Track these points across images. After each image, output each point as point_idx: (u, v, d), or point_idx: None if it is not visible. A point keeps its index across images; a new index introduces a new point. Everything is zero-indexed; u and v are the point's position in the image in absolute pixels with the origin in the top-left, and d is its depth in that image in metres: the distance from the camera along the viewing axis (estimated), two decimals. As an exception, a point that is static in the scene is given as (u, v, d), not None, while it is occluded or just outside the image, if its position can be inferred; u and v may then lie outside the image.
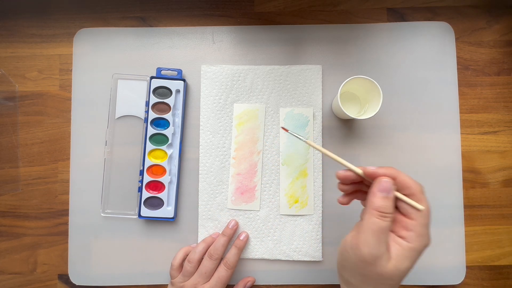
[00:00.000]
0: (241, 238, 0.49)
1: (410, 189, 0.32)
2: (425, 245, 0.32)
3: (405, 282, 0.43)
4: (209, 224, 0.50)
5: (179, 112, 0.51)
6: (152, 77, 0.50)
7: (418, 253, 0.31)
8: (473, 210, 0.50)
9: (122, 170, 0.51)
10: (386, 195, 0.32)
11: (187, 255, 0.47)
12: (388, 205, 0.32)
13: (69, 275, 0.50)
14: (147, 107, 0.50)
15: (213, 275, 0.46)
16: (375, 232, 0.31)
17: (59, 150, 0.52)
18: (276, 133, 0.51)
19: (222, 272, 0.46)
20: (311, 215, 0.50)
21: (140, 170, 0.50)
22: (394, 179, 0.33)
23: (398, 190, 0.33)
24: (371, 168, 0.34)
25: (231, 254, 0.47)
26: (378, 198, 0.32)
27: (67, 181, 0.51)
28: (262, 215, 0.50)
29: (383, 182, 0.32)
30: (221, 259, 0.47)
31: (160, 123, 0.50)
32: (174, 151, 0.50)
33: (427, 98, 0.51)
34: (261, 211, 0.50)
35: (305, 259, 0.49)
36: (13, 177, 0.52)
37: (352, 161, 0.50)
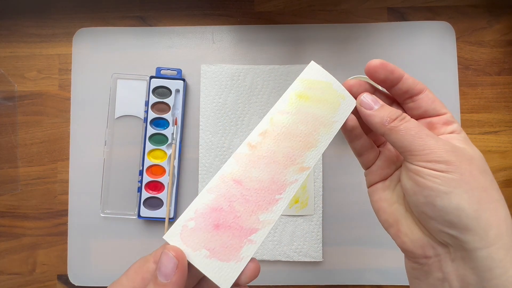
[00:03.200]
0: None
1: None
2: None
3: (405, 282, 0.43)
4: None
5: (179, 112, 0.50)
6: (151, 77, 0.50)
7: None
8: (473, 210, 0.50)
9: (121, 170, 0.51)
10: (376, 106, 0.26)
11: None
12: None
13: (68, 275, 0.50)
14: (146, 107, 0.50)
15: None
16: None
17: (58, 150, 0.52)
18: None
19: None
20: (311, 215, 0.50)
21: (140, 170, 0.50)
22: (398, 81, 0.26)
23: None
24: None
25: None
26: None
27: (67, 181, 0.51)
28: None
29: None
30: None
31: (160, 123, 0.50)
32: (173, 151, 0.50)
33: (427, 98, 0.51)
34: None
35: (306, 260, 0.49)
36: (12, 177, 0.51)
37: (353, 161, 0.50)
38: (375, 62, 0.26)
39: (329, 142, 0.26)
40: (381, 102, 0.26)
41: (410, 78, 0.26)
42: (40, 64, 0.52)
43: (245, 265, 0.22)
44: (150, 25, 0.53)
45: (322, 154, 0.50)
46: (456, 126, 0.25)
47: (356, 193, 0.50)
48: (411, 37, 0.51)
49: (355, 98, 0.27)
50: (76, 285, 0.50)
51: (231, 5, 0.53)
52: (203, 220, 0.22)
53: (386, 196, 0.27)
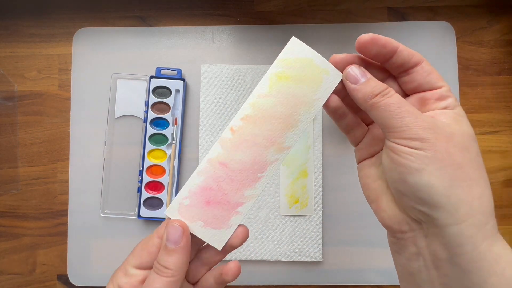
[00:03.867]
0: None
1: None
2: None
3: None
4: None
5: (179, 112, 0.50)
6: (151, 77, 0.50)
7: None
8: (474, 210, 0.50)
9: (121, 170, 0.51)
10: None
11: None
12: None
13: (68, 275, 0.50)
14: (146, 107, 0.50)
15: None
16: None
17: (58, 150, 0.52)
18: None
19: None
20: (311, 215, 0.50)
21: (140, 170, 0.50)
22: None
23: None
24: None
25: None
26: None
27: (66, 181, 0.51)
28: (262, 216, 0.50)
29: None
30: None
31: (160, 123, 0.50)
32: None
33: (427, 98, 0.51)
34: (261, 211, 0.50)
35: (306, 260, 0.49)
36: (12, 177, 0.51)
37: (353, 161, 0.50)
38: (365, 37, 0.24)
39: (311, 120, 0.26)
40: (369, 75, 0.24)
41: (405, 50, 0.24)
42: (40, 64, 0.52)
43: (233, 231, 0.27)
44: (150, 25, 0.53)
45: (322, 154, 0.50)
46: (450, 101, 0.24)
47: (356, 193, 0.50)
48: (411, 37, 0.51)
49: (343, 72, 0.25)
50: (76, 285, 0.50)
51: (231, 5, 0.53)
52: (196, 198, 0.26)
53: (371, 172, 0.27)
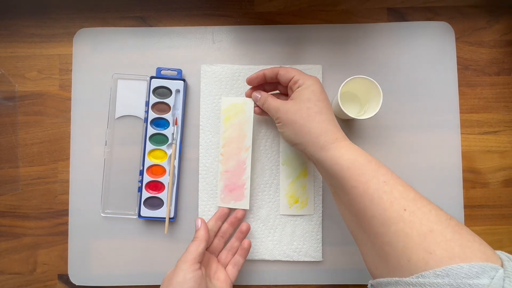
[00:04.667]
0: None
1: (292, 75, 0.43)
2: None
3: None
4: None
5: (179, 112, 0.51)
6: (152, 77, 0.50)
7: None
8: (473, 210, 0.50)
9: (122, 170, 0.51)
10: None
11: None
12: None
13: (69, 275, 0.50)
14: (147, 107, 0.50)
15: None
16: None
17: (58, 150, 0.52)
18: (276, 133, 0.51)
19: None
20: (311, 215, 0.50)
21: (140, 170, 0.50)
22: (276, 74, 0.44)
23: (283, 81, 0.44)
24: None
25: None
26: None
27: (67, 181, 0.51)
28: (262, 216, 0.50)
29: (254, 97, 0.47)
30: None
31: (160, 123, 0.50)
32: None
33: (427, 98, 0.51)
34: (261, 211, 0.50)
35: (305, 260, 0.49)
36: (13, 177, 0.51)
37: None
38: (247, 79, 0.47)
39: (252, 129, 0.48)
40: (260, 93, 0.46)
41: (268, 72, 0.45)
42: (40, 64, 0.52)
43: (248, 199, 0.49)
44: (150, 25, 0.53)
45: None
46: (300, 81, 0.41)
47: (356, 193, 0.50)
48: (411, 37, 0.52)
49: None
50: (76, 284, 0.50)
51: (231, 5, 0.53)
52: (224, 192, 0.49)
53: None
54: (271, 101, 0.43)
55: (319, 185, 0.50)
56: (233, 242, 0.48)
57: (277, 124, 0.43)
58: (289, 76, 0.42)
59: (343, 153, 0.36)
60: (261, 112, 0.47)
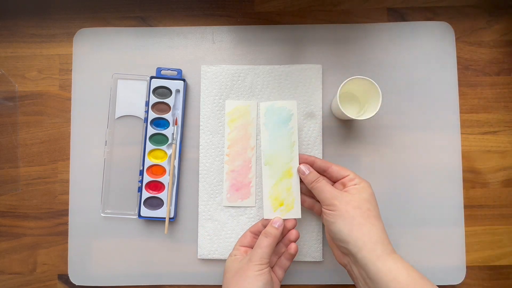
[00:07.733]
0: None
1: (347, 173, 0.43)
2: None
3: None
4: (208, 225, 0.50)
5: (179, 112, 0.51)
6: (152, 77, 0.50)
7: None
8: (473, 210, 0.50)
9: (122, 170, 0.51)
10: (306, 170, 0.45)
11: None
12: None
13: (69, 275, 0.50)
14: (147, 107, 0.50)
15: None
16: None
17: (59, 150, 0.52)
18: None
19: None
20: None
21: (140, 170, 0.50)
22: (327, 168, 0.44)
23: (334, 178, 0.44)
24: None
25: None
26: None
27: (67, 181, 0.51)
28: (262, 215, 0.50)
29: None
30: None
31: (160, 123, 0.50)
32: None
33: (427, 98, 0.51)
34: (261, 211, 0.50)
35: (306, 260, 0.49)
36: (13, 177, 0.51)
37: (353, 161, 0.50)
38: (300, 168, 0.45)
39: (256, 129, 0.50)
40: (310, 170, 0.44)
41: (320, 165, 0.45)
42: (40, 64, 0.52)
43: (255, 197, 0.50)
44: (150, 25, 0.53)
45: (322, 154, 0.51)
46: (356, 180, 0.42)
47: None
48: (410, 37, 0.52)
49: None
50: (76, 284, 0.50)
51: (231, 5, 0.53)
52: (230, 191, 0.50)
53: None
54: (326, 185, 0.42)
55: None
56: (281, 248, 0.46)
57: (328, 212, 0.40)
58: (344, 173, 0.43)
59: (400, 270, 0.35)
60: (304, 201, 0.47)
